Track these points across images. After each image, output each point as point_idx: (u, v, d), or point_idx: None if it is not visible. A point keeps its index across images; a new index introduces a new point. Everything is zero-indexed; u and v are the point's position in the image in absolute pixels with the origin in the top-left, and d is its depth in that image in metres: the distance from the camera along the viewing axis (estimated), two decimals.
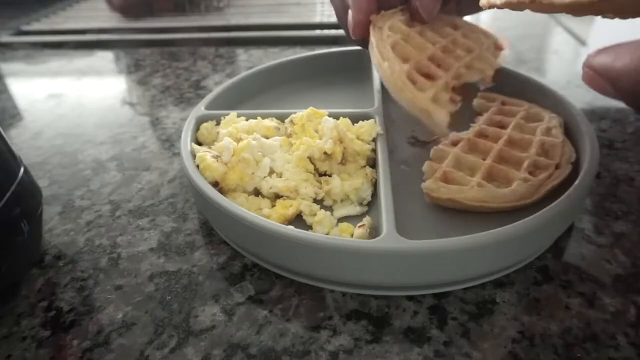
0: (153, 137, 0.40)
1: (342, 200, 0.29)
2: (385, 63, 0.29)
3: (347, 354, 0.21)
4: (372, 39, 0.30)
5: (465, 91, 0.32)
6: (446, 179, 0.28)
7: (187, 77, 0.51)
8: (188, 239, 0.28)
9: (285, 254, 0.24)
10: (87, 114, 0.44)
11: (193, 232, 0.29)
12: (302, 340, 0.22)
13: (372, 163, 0.31)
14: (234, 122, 0.33)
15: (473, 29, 0.36)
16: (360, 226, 0.26)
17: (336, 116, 0.32)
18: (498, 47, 0.35)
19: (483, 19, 0.65)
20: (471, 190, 0.27)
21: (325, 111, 0.32)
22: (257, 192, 0.30)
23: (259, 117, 0.33)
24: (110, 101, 0.47)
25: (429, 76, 0.30)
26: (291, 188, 0.29)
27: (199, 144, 0.33)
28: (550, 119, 0.32)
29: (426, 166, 0.29)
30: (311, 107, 0.32)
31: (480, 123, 0.32)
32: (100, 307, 0.24)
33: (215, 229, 0.29)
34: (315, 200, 0.29)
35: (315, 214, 0.28)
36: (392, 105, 0.37)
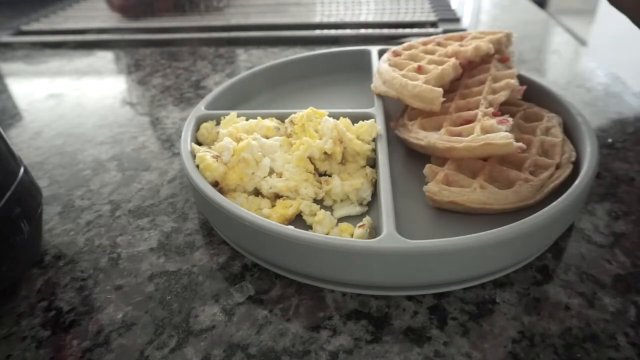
0: (153, 137, 0.40)
1: (342, 200, 0.29)
2: (423, 141, 0.30)
3: (347, 354, 0.21)
4: (402, 136, 0.32)
5: (508, 110, 0.33)
6: (447, 182, 0.28)
7: (187, 77, 0.51)
8: (188, 239, 0.28)
9: (285, 254, 0.24)
10: (87, 114, 0.44)
11: (193, 232, 0.29)
12: (302, 340, 0.22)
13: (372, 163, 0.31)
14: (234, 122, 0.33)
15: (473, 65, 0.37)
16: (360, 226, 0.26)
17: (336, 116, 0.32)
18: (503, 60, 0.36)
19: (483, 20, 0.65)
20: (473, 192, 0.27)
21: (325, 111, 0.32)
22: (257, 192, 0.30)
23: (259, 117, 0.33)
24: (110, 101, 0.47)
25: (467, 122, 0.30)
26: (291, 188, 0.29)
27: (199, 144, 0.33)
28: (549, 119, 0.32)
29: (427, 169, 0.29)
30: (311, 107, 0.32)
31: None
32: (100, 307, 0.24)
33: (215, 229, 0.29)
34: (315, 200, 0.29)
35: (315, 214, 0.28)
36: (392, 105, 0.37)
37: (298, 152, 0.30)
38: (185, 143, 0.30)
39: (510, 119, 0.29)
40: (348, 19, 0.64)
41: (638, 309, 0.23)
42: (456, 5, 0.68)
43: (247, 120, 0.33)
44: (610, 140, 0.36)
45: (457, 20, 0.62)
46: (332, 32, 0.60)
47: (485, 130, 0.28)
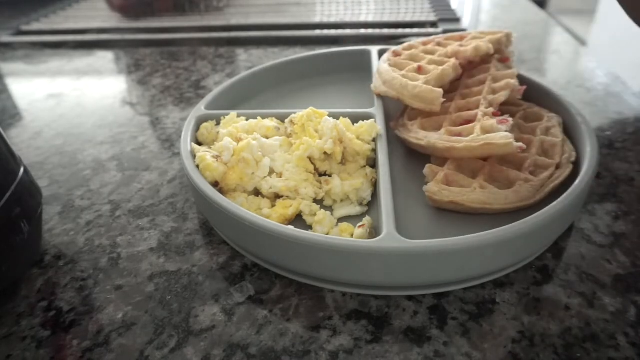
0: (153, 137, 0.40)
1: (342, 200, 0.29)
2: (423, 141, 0.30)
3: (347, 354, 0.21)
4: (402, 136, 0.32)
5: (508, 110, 0.33)
6: (447, 182, 0.28)
7: (187, 77, 0.51)
8: (188, 239, 0.28)
9: (285, 254, 0.24)
10: (87, 114, 0.44)
11: (193, 232, 0.29)
12: (302, 340, 0.22)
13: (372, 163, 0.31)
14: (234, 122, 0.33)
15: (473, 65, 0.37)
16: (360, 226, 0.26)
17: (336, 116, 0.32)
18: (503, 60, 0.36)
19: (483, 20, 0.65)
20: (473, 192, 0.27)
21: (325, 111, 0.32)
22: (257, 192, 0.30)
23: (259, 117, 0.33)
24: (110, 101, 0.47)
25: (467, 122, 0.30)
26: (291, 188, 0.29)
27: (199, 144, 0.33)
28: (549, 119, 0.32)
29: (427, 169, 0.29)
30: (311, 107, 0.32)
31: None
32: (100, 307, 0.24)
33: (215, 229, 0.29)
34: (315, 200, 0.29)
35: (315, 214, 0.28)
36: (392, 105, 0.37)
37: (298, 152, 0.30)
38: (185, 143, 0.30)
39: (510, 119, 0.29)
40: (348, 19, 0.64)
41: (638, 309, 0.23)
42: (456, 5, 0.68)
43: (247, 120, 0.33)
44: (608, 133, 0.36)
45: (457, 20, 0.62)
46: (332, 32, 0.60)
47: (485, 130, 0.28)
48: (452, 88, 0.35)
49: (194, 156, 0.29)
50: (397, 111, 0.36)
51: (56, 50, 0.62)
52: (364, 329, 0.22)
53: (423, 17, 0.63)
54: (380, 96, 0.36)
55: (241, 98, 0.40)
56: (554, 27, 0.61)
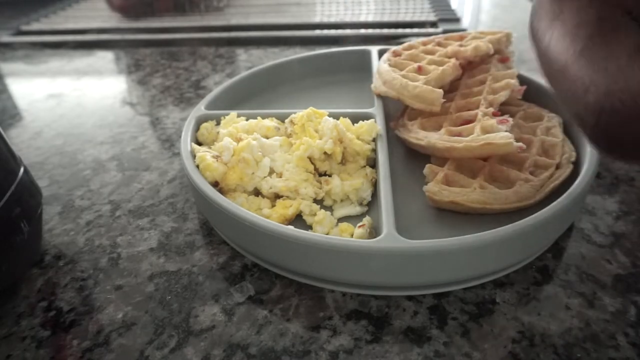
0: (153, 137, 0.40)
1: (342, 200, 0.29)
2: (423, 141, 0.30)
3: (347, 354, 0.21)
4: (402, 136, 0.32)
5: (508, 110, 0.33)
6: (447, 182, 0.28)
7: (187, 77, 0.51)
8: (188, 239, 0.28)
9: (285, 254, 0.24)
10: (87, 114, 0.44)
11: (193, 232, 0.29)
12: (302, 340, 0.22)
13: (372, 163, 0.31)
14: (234, 122, 0.33)
15: (473, 65, 0.37)
16: (360, 226, 0.26)
17: (336, 116, 0.32)
18: (503, 60, 0.36)
19: (483, 20, 0.65)
20: (473, 192, 0.27)
21: (325, 111, 0.32)
22: (257, 192, 0.30)
23: (259, 117, 0.33)
24: (110, 101, 0.47)
25: (467, 122, 0.30)
26: (291, 188, 0.29)
27: (199, 144, 0.33)
28: (549, 119, 0.32)
29: (427, 169, 0.29)
30: (311, 107, 0.32)
31: None
32: (100, 307, 0.24)
33: (215, 229, 0.29)
34: (315, 200, 0.29)
35: (315, 214, 0.28)
36: (392, 105, 0.37)
37: (298, 152, 0.30)
38: (185, 143, 0.30)
39: (510, 119, 0.29)
40: (348, 19, 0.64)
41: (638, 309, 0.23)
42: (456, 5, 0.68)
43: (247, 120, 0.33)
44: None
45: (457, 20, 0.62)
46: (332, 32, 0.60)
47: (485, 130, 0.28)
48: (452, 88, 0.35)
49: (194, 156, 0.29)
50: (397, 111, 0.36)
51: (56, 50, 0.62)
52: (364, 329, 0.22)
53: (423, 17, 0.63)
54: (380, 96, 0.36)
55: (241, 98, 0.40)
56: None
